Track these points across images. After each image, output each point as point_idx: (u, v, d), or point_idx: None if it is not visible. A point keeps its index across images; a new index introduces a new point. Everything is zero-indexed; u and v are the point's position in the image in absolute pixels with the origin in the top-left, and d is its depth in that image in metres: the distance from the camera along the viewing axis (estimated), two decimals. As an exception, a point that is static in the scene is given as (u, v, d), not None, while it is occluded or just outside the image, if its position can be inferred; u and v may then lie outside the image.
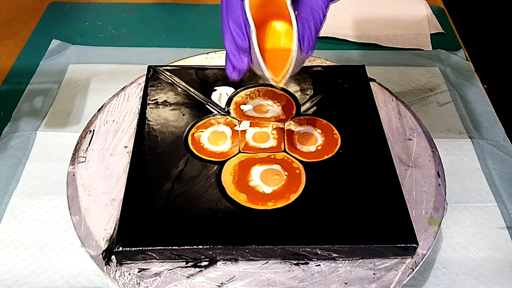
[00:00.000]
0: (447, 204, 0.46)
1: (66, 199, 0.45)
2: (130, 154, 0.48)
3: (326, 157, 0.47)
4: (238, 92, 0.54)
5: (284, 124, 0.51)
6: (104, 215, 0.44)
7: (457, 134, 0.60)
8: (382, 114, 0.52)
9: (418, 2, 0.82)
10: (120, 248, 0.40)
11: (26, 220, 0.50)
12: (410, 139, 0.51)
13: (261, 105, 0.53)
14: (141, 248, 0.40)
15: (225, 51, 0.39)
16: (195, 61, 0.60)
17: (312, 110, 0.52)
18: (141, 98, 0.53)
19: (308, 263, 0.41)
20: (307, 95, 0.54)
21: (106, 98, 0.55)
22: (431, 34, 0.76)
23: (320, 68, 0.58)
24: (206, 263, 0.41)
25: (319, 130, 0.50)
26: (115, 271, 0.40)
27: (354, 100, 0.53)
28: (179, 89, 0.54)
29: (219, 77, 0.56)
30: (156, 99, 0.53)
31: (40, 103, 0.63)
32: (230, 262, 0.41)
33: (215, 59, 0.61)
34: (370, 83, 0.56)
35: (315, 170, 0.46)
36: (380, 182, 0.45)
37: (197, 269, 0.40)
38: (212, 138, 0.49)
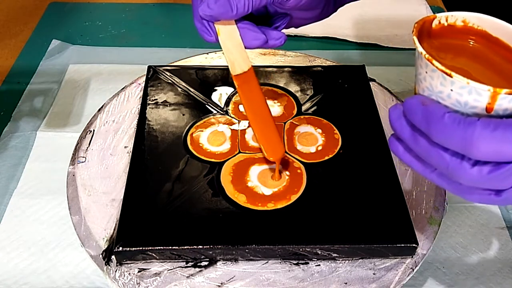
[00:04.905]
0: (447, 204, 0.46)
1: (66, 199, 0.45)
2: (130, 154, 0.48)
3: (326, 157, 0.47)
4: (237, 92, 0.54)
5: (284, 124, 0.51)
6: (104, 215, 0.44)
7: (457, 134, 0.60)
8: (382, 114, 0.52)
9: (418, 2, 0.82)
10: (120, 248, 0.40)
11: (26, 220, 0.50)
12: (410, 139, 0.51)
13: (261, 105, 0.53)
14: (141, 248, 0.40)
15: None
16: (195, 61, 0.60)
17: (312, 110, 0.52)
18: (141, 98, 0.53)
19: (308, 263, 0.41)
20: (307, 95, 0.54)
21: (106, 98, 0.55)
22: (431, 34, 0.76)
23: (320, 68, 0.58)
24: (206, 263, 0.41)
25: (319, 130, 0.50)
26: (115, 271, 0.40)
27: (354, 100, 0.53)
28: (179, 89, 0.54)
29: (219, 77, 0.56)
30: (156, 99, 0.53)
31: (40, 103, 0.63)
32: (230, 262, 0.41)
33: (215, 59, 0.61)
34: (370, 83, 0.56)
35: (316, 170, 0.46)
36: (380, 182, 0.45)
37: (197, 269, 0.40)
38: (211, 138, 0.49)
